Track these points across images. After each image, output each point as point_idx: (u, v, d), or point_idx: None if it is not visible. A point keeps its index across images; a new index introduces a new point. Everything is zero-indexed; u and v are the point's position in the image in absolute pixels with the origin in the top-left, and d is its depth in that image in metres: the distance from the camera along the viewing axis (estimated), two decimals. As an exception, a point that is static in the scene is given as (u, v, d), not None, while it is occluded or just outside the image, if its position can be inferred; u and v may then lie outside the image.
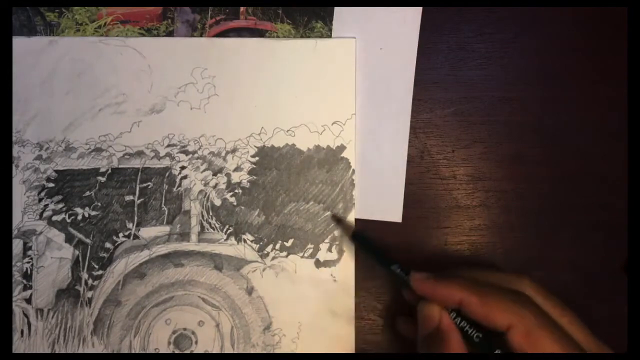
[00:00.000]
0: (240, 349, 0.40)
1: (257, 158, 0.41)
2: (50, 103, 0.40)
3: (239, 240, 0.40)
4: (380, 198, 0.41)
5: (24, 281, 0.40)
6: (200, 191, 0.41)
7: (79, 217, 0.40)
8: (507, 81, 0.42)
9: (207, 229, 0.40)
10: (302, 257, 0.40)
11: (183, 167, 0.41)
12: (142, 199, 0.40)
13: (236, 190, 0.41)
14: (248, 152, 0.41)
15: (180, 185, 0.41)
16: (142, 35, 0.41)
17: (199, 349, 0.40)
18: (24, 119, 0.40)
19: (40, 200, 0.40)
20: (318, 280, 0.40)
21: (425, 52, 0.41)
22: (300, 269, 0.40)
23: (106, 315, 0.40)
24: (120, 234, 0.40)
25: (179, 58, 0.41)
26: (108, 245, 0.40)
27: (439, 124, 0.41)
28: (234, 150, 0.41)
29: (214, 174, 0.41)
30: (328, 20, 0.41)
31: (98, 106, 0.40)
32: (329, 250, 0.40)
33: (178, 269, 0.40)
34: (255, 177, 0.41)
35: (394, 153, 0.41)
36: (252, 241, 0.40)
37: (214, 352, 0.40)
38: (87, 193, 0.40)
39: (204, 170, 0.41)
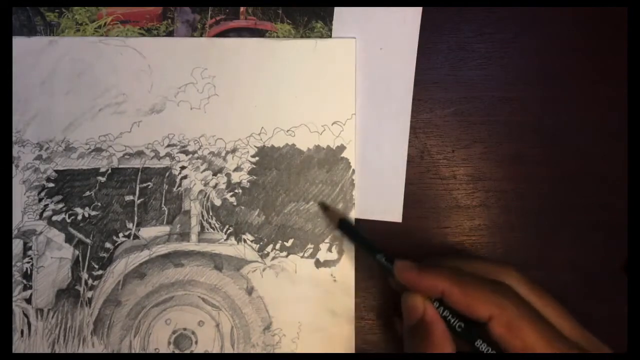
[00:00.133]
0: (240, 349, 0.40)
1: (257, 158, 0.41)
2: (50, 103, 0.40)
3: (239, 240, 0.40)
4: (380, 198, 0.41)
5: (24, 281, 0.40)
6: (200, 191, 0.41)
7: (79, 217, 0.40)
8: (507, 81, 0.42)
9: (207, 229, 0.40)
10: (302, 257, 0.40)
11: (183, 167, 0.41)
12: (142, 199, 0.40)
13: (236, 190, 0.41)
14: (248, 152, 0.41)
15: (180, 185, 0.41)
16: (142, 35, 0.41)
17: (199, 349, 0.40)
18: (24, 119, 0.40)
19: (40, 200, 0.40)
20: (318, 280, 0.40)
21: (425, 52, 0.41)
22: (300, 269, 0.40)
23: (106, 315, 0.40)
24: (120, 234, 0.40)
25: (179, 58, 0.41)
26: (108, 245, 0.40)
27: (439, 124, 0.41)
28: (234, 150, 0.41)
29: (214, 174, 0.41)
30: (328, 20, 0.41)
31: (98, 106, 0.40)
32: (329, 250, 0.40)
33: (178, 269, 0.40)
34: (255, 177, 0.41)
35: (394, 153, 0.41)
36: (252, 241, 0.40)
37: (214, 352, 0.40)
38: (87, 193, 0.40)
39: (204, 170, 0.41)
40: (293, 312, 0.40)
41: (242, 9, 0.41)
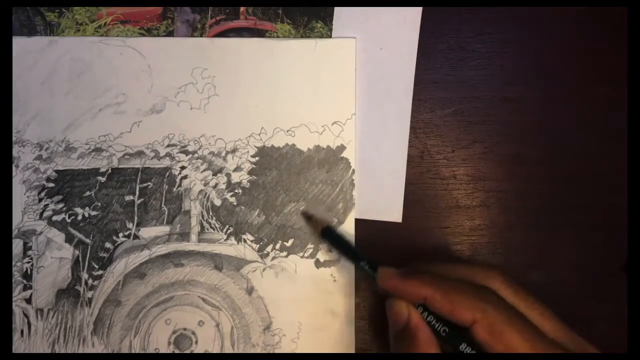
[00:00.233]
0: (240, 349, 0.40)
1: (257, 158, 0.41)
2: (50, 103, 0.40)
3: (239, 240, 0.40)
4: (380, 198, 0.41)
5: (24, 281, 0.40)
6: (200, 191, 0.41)
7: (79, 217, 0.40)
8: (507, 81, 0.42)
9: (207, 229, 0.40)
10: (302, 257, 0.40)
11: (183, 167, 0.41)
12: (142, 199, 0.40)
13: (236, 190, 0.41)
14: (248, 152, 0.41)
15: (180, 185, 0.41)
16: (142, 35, 0.41)
17: (199, 349, 0.40)
18: (24, 119, 0.40)
19: (40, 200, 0.40)
20: (318, 280, 0.40)
21: (425, 52, 0.41)
22: (300, 269, 0.40)
23: (106, 315, 0.40)
24: (120, 234, 0.40)
25: (179, 58, 0.41)
26: (108, 245, 0.40)
27: (439, 124, 0.41)
28: (234, 150, 0.41)
29: (214, 174, 0.41)
30: (328, 20, 0.41)
31: (98, 106, 0.40)
32: (329, 250, 0.40)
33: (178, 269, 0.40)
34: (255, 177, 0.41)
35: (394, 153, 0.41)
36: (252, 241, 0.40)
37: (214, 352, 0.40)
38: (87, 193, 0.40)
39: (204, 170, 0.41)
40: (293, 312, 0.40)
41: (242, 9, 0.41)
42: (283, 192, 0.41)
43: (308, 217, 0.40)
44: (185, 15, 0.41)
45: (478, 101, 0.41)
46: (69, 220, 0.40)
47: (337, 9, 0.41)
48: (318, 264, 0.40)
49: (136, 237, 0.40)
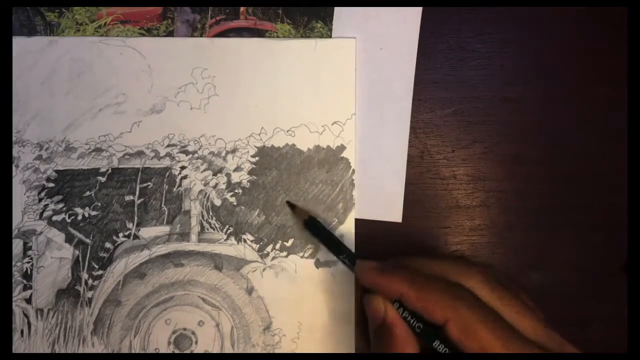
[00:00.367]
0: (240, 349, 0.40)
1: (257, 158, 0.41)
2: (50, 103, 0.40)
3: (239, 240, 0.40)
4: (380, 198, 0.41)
5: (24, 281, 0.40)
6: (200, 191, 0.41)
7: (79, 217, 0.40)
8: (507, 81, 0.42)
9: (207, 229, 0.40)
10: (302, 257, 0.40)
11: (183, 167, 0.41)
12: (142, 199, 0.40)
13: (236, 190, 0.41)
14: (248, 152, 0.41)
15: (180, 185, 0.41)
16: (142, 35, 0.41)
17: (199, 349, 0.40)
18: (24, 119, 0.40)
19: (40, 200, 0.40)
20: (318, 280, 0.40)
21: (425, 52, 0.41)
22: (300, 269, 0.40)
23: (106, 315, 0.40)
24: (120, 234, 0.40)
25: (179, 58, 0.41)
26: (108, 245, 0.40)
27: (439, 124, 0.41)
28: (234, 150, 0.41)
29: (214, 174, 0.41)
30: (328, 20, 0.41)
31: (98, 106, 0.40)
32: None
33: (178, 269, 0.40)
34: (255, 177, 0.41)
35: (394, 153, 0.41)
36: (252, 241, 0.40)
37: (214, 352, 0.40)
38: (87, 193, 0.40)
39: (204, 170, 0.41)
40: (293, 312, 0.40)
41: (242, 9, 0.41)
42: (283, 192, 0.41)
43: (292, 206, 0.40)
44: (185, 15, 0.41)
45: (478, 101, 0.41)
46: (69, 220, 0.40)
47: (337, 9, 0.41)
48: (318, 264, 0.40)
49: (136, 237, 0.40)
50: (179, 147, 0.41)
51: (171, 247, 0.40)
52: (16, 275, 0.40)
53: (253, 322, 0.40)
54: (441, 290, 0.31)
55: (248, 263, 0.40)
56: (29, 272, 0.40)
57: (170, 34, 0.41)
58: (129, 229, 0.40)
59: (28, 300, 0.40)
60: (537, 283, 0.41)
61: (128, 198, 0.40)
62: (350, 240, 0.40)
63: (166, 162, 0.41)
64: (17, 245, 0.40)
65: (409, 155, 0.41)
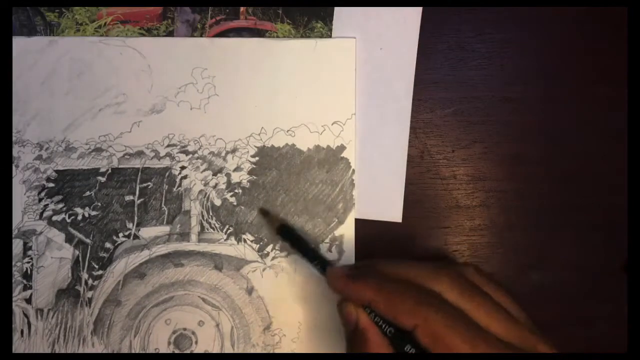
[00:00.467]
0: (240, 349, 0.40)
1: (257, 158, 0.41)
2: (50, 103, 0.40)
3: (239, 240, 0.40)
4: (380, 198, 0.41)
5: (24, 281, 0.40)
6: (200, 191, 0.41)
7: (79, 217, 0.40)
8: (507, 81, 0.42)
9: (207, 229, 0.40)
10: (302, 257, 0.40)
11: (183, 167, 0.41)
12: (142, 199, 0.40)
13: (236, 190, 0.41)
14: (248, 152, 0.41)
15: (180, 185, 0.41)
16: (142, 35, 0.41)
17: (199, 349, 0.40)
18: (24, 119, 0.40)
19: (40, 200, 0.40)
20: (318, 280, 0.40)
21: (425, 52, 0.41)
22: (300, 269, 0.40)
23: (106, 315, 0.40)
24: (120, 234, 0.40)
25: (179, 58, 0.41)
26: (108, 245, 0.40)
27: (439, 124, 0.41)
28: (234, 150, 0.41)
29: (214, 174, 0.41)
30: (328, 20, 0.41)
31: (98, 106, 0.40)
32: (329, 250, 0.40)
33: (178, 269, 0.40)
34: (255, 177, 0.41)
35: (394, 153, 0.41)
36: (252, 241, 0.40)
37: (214, 352, 0.40)
38: (87, 193, 0.40)
39: (204, 170, 0.41)
40: (293, 312, 0.40)
41: (242, 9, 0.41)
42: (283, 192, 0.41)
43: (265, 213, 0.40)
44: (185, 15, 0.41)
45: (478, 101, 0.41)
46: (69, 220, 0.40)
47: (337, 9, 0.41)
48: (318, 264, 0.40)
49: (136, 237, 0.40)
50: (179, 147, 0.41)
51: (171, 247, 0.40)
52: (16, 275, 0.40)
53: (253, 322, 0.40)
54: (409, 297, 0.31)
55: (248, 263, 0.40)
56: (29, 272, 0.40)
57: (170, 34, 0.41)
58: (129, 229, 0.40)
59: (28, 300, 0.40)
60: (537, 283, 0.41)
61: (128, 198, 0.40)
62: (350, 241, 0.40)
63: (166, 162, 0.41)
64: (17, 245, 0.40)
65: (409, 155, 0.41)
